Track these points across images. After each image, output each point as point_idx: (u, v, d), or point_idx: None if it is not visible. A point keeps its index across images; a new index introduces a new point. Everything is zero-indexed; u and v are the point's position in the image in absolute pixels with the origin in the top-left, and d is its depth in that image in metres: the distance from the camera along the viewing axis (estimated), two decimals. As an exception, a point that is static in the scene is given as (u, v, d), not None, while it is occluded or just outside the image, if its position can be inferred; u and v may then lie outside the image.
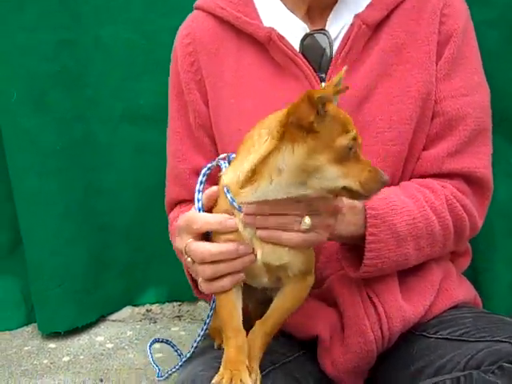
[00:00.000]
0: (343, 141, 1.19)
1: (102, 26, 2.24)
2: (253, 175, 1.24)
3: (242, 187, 1.26)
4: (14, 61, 2.21)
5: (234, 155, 1.34)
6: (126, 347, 2.38)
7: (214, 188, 1.37)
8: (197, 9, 1.70)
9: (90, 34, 2.25)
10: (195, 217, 1.38)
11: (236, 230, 1.31)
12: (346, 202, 1.36)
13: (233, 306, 1.35)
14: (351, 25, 1.56)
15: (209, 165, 1.43)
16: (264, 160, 1.21)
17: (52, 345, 2.43)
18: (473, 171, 1.57)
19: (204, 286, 1.37)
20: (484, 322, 1.49)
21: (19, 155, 2.29)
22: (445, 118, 1.56)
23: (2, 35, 2.18)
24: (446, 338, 1.48)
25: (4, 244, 2.50)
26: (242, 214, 1.29)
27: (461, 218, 1.55)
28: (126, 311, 2.55)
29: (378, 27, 1.57)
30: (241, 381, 1.26)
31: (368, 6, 1.58)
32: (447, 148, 1.55)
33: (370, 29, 1.56)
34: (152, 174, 1.97)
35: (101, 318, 2.53)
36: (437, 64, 1.56)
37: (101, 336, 2.47)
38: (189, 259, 1.37)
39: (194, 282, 1.51)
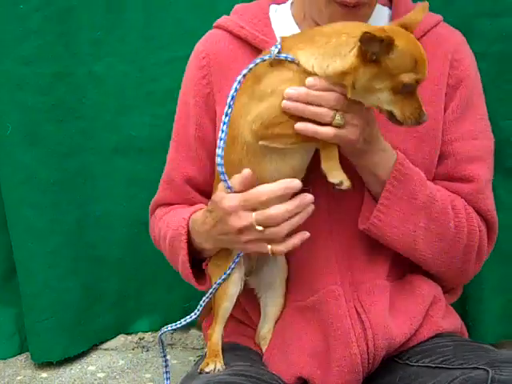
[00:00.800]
0: (405, 78, 1.36)
1: (98, 58, 2.26)
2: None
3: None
4: (9, 94, 2.22)
5: None
6: (118, 376, 2.38)
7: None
8: (216, 27, 1.75)
9: (84, 67, 2.26)
10: (254, 192, 1.44)
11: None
12: (383, 145, 1.51)
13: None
14: None
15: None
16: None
17: (44, 374, 2.42)
18: (489, 214, 1.65)
19: (278, 249, 1.46)
20: (464, 349, 1.52)
21: (14, 188, 2.30)
22: (456, 158, 1.63)
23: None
24: (427, 366, 1.52)
25: (-2, 274, 2.51)
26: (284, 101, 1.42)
27: (474, 232, 1.62)
28: (119, 340, 2.55)
29: None
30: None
31: None
32: (465, 188, 1.63)
33: None
34: (144, 205, 1.98)
35: (93, 347, 2.52)
36: (445, 106, 1.63)
37: (93, 365, 2.46)
38: (260, 228, 1.43)
39: (198, 275, 1.66)
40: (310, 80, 1.42)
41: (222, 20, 1.74)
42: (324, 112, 1.41)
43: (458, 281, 1.74)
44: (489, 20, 1.97)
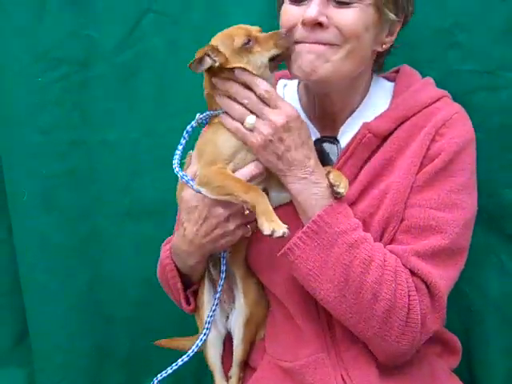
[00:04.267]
0: (237, 42, 1.61)
1: (111, 126, 2.34)
2: None
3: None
4: (26, 162, 2.31)
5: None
6: None
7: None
8: None
9: (98, 135, 2.34)
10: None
11: None
12: (314, 178, 1.58)
13: (236, 176, 1.62)
14: (357, 133, 1.68)
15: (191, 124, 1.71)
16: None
17: None
18: (433, 283, 1.58)
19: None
20: None
21: (28, 252, 2.37)
22: (408, 223, 1.63)
23: (18, 137, 2.30)
24: None
25: (11, 335, 2.55)
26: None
27: (401, 293, 1.55)
28: (129, 400, 2.56)
29: (385, 137, 1.67)
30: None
31: (379, 116, 1.69)
32: (409, 249, 1.60)
33: (377, 138, 1.66)
34: (153, 267, 2.03)
35: (104, 407, 2.54)
36: (416, 174, 1.64)
37: (103, 426, 2.48)
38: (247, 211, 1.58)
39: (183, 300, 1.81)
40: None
41: None
42: (236, 108, 1.60)
43: (381, 348, 1.60)
44: (487, 93, 2.01)
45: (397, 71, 1.84)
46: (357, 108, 1.74)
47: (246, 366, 1.85)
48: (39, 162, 2.31)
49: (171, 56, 2.30)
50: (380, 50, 1.70)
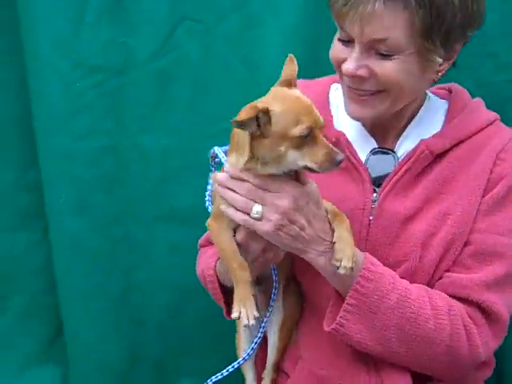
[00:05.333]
0: (295, 131, 1.44)
1: (144, 132, 2.37)
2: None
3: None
4: (62, 166, 2.36)
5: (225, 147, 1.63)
6: None
7: None
8: None
9: (131, 140, 2.38)
10: None
11: None
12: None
13: (234, 245, 1.56)
14: (415, 148, 1.67)
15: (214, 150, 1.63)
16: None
17: None
18: (495, 311, 1.60)
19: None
20: None
21: (63, 254, 2.42)
22: (475, 248, 1.63)
23: (55, 142, 2.34)
24: None
25: (47, 334, 2.60)
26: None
27: (459, 333, 1.57)
28: (160, 403, 2.59)
29: (438, 155, 1.67)
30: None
31: (437, 135, 1.69)
32: (477, 280, 1.61)
33: (432, 156, 1.66)
34: (184, 272, 2.06)
35: (134, 411, 2.58)
36: (481, 199, 1.65)
37: (134, 429, 2.51)
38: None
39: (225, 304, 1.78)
40: (225, 167, 1.54)
41: None
42: (237, 198, 1.51)
43: (453, 377, 1.67)
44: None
45: (446, 89, 1.84)
46: (410, 121, 1.74)
47: (279, 370, 1.86)
48: (73, 167, 2.36)
49: (205, 63, 2.33)
50: (437, 77, 1.69)
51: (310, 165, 1.47)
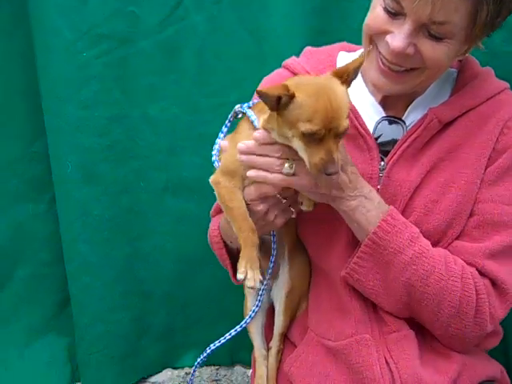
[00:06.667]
0: (302, 127, 1.43)
1: (151, 101, 2.37)
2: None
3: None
4: (70, 136, 2.35)
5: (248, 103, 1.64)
6: (164, 409, 2.45)
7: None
8: (283, 67, 1.84)
9: (139, 110, 2.37)
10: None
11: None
12: (364, 192, 1.56)
13: (245, 206, 1.58)
14: (424, 117, 1.67)
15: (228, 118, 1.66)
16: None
17: (94, 404, 2.50)
18: (501, 281, 1.61)
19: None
20: None
21: (70, 224, 2.42)
22: (480, 218, 1.63)
23: (62, 112, 2.33)
24: None
25: (53, 304, 2.62)
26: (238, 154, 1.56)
27: (469, 297, 1.58)
28: (166, 374, 2.61)
29: (446, 124, 1.67)
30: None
31: (445, 103, 1.67)
32: (482, 248, 1.61)
33: (440, 124, 1.66)
34: (192, 243, 2.05)
35: (141, 380, 2.60)
36: (486, 168, 1.64)
37: (140, 398, 2.53)
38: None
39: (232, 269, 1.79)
40: (255, 134, 1.54)
41: (290, 61, 1.83)
42: (271, 161, 1.52)
43: (457, 345, 1.66)
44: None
45: None
46: (421, 91, 1.72)
47: (286, 339, 1.88)
48: (81, 137, 2.35)
49: (213, 33, 2.32)
50: (461, 59, 1.70)
51: (305, 160, 1.48)
